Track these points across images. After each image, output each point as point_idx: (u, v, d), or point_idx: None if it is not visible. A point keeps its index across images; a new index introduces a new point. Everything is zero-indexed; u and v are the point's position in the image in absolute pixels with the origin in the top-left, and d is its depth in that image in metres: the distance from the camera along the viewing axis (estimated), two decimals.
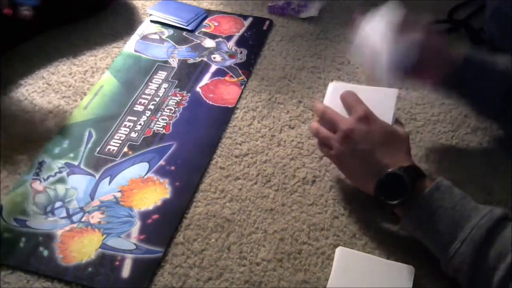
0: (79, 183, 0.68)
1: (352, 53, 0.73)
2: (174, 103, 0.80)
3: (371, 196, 0.61)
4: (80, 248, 0.61)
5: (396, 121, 0.66)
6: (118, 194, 0.67)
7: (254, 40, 0.93)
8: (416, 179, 0.57)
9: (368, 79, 0.73)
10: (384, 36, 0.66)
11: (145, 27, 0.95)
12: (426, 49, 0.65)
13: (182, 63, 0.87)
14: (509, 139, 0.71)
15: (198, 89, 0.83)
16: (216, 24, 0.97)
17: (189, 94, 0.81)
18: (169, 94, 0.81)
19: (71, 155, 0.72)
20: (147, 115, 0.78)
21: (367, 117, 0.62)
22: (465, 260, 0.52)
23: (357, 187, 0.65)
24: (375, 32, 0.67)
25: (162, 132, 0.75)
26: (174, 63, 0.87)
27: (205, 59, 0.88)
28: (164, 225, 0.64)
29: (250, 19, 0.98)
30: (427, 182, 0.57)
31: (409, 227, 0.59)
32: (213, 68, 0.87)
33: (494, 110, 0.68)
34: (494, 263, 0.50)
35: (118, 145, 0.73)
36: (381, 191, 0.59)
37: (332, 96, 0.68)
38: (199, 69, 0.86)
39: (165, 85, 0.83)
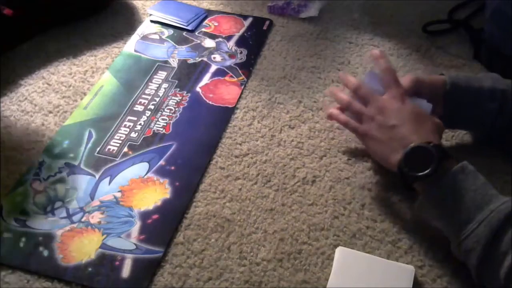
0: (79, 183, 0.68)
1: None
2: (174, 103, 0.80)
3: (396, 169, 0.61)
4: (80, 248, 0.61)
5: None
6: (118, 194, 0.67)
7: (254, 40, 0.93)
8: (443, 157, 0.57)
9: None
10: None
11: (145, 27, 0.95)
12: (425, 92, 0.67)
13: (182, 63, 0.87)
14: (508, 141, 0.71)
15: (198, 89, 0.83)
16: (216, 24, 0.97)
17: (189, 94, 0.81)
18: (169, 94, 0.81)
19: (71, 155, 0.71)
20: (147, 115, 0.78)
21: (401, 97, 0.64)
22: (480, 240, 0.52)
23: (380, 162, 0.65)
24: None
25: (162, 132, 0.75)
26: (174, 63, 0.87)
27: (205, 59, 0.88)
28: (164, 225, 0.64)
29: (250, 19, 0.98)
30: (453, 162, 0.57)
31: (427, 204, 0.59)
32: (213, 68, 0.87)
33: (486, 127, 0.69)
34: (506, 249, 0.51)
35: (118, 145, 0.73)
36: (406, 163, 0.59)
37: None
38: (199, 69, 0.86)
39: (165, 85, 0.83)
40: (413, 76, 0.68)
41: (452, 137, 0.75)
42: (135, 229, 0.63)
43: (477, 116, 0.68)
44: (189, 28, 0.94)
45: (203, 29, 0.95)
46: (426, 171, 0.57)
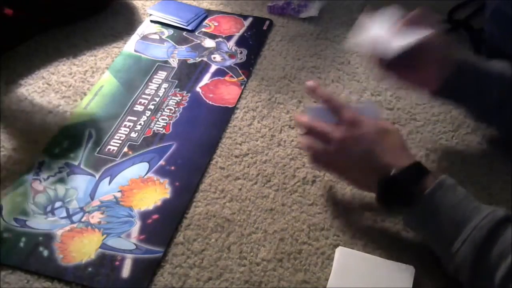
0: (79, 183, 0.68)
1: (352, 41, 0.70)
2: (174, 103, 0.80)
3: (375, 200, 0.60)
4: (80, 248, 0.61)
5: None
6: (118, 194, 0.67)
7: (254, 40, 0.93)
8: (418, 178, 0.56)
9: (372, 60, 0.71)
10: (389, 28, 0.65)
11: (145, 27, 0.95)
12: (429, 46, 0.64)
13: (182, 63, 0.87)
14: (508, 140, 0.71)
15: (198, 89, 0.83)
16: (216, 24, 0.97)
17: (189, 94, 0.81)
18: (169, 94, 0.81)
19: (71, 155, 0.71)
20: (147, 115, 0.78)
21: (355, 120, 0.61)
22: (465, 259, 0.52)
23: (359, 189, 0.65)
24: (379, 26, 0.67)
25: (162, 132, 0.75)
26: (174, 63, 0.87)
27: (205, 59, 0.88)
28: (164, 225, 0.64)
29: (250, 19, 0.98)
30: (429, 180, 0.56)
31: (411, 226, 0.59)
32: (213, 68, 0.87)
33: (490, 113, 0.68)
34: (495, 263, 0.50)
35: (118, 145, 0.73)
36: (384, 198, 0.59)
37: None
38: (199, 69, 0.86)
39: (165, 85, 0.83)
40: (433, 33, 0.64)
41: (452, 137, 0.75)
42: (135, 229, 0.63)
43: (481, 101, 0.67)
44: (189, 28, 0.94)
45: (203, 29, 0.95)
46: (401, 205, 0.57)
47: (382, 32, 0.66)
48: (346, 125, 0.61)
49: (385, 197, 0.59)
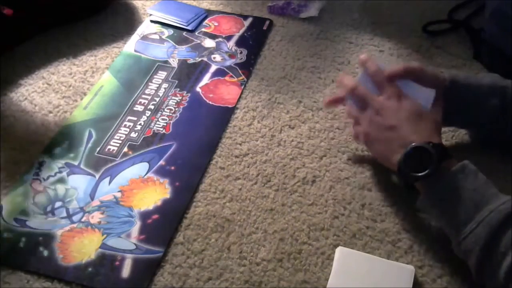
0: (79, 183, 0.68)
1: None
2: (174, 103, 0.80)
3: (396, 170, 0.61)
4: (80, 248, 0.61)
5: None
6: (118, 194, 0.67)
7: (254, 40, 0.93)
8: (443, 157, 0.57)
9: None
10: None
11: (145, 27, 0.95)
12: (418, 76, 0.66)
13: (182, 63, 0.87)
14: (508, 140, 0.71)
15: (198, 89, 0.83)
16: (216, 24, 0.97)
17: (189, 94, 0.81)
18: (169, 94, 0.81)
19: (71, 155, 0.72)
20: (147, 115, 0.78)
21: (398, 95, 0.64)
22: (478, 241, 0.52)
23: (382, 163, 0.65)
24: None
25: (162, 132, 0.75)
26: (174, 63, 0.87)
27: (205, 59, 0.88)
28: (164, 225, 0.64)
29: (250, 19, 0.98)
30: (453, 162, 0.57)
31: (427, 204, 0.59)
32: (213, 68, 0.87)
33: (486, 126, 0.69)
34: (505, 249, 0.50)
35: (118, 145, 0.73)
36: (406, 164, 0.59)
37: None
38: (199, 69, 0.86)
39: (165, 85, 0.83)
40: (417, 64, 0.67)
41: (452, 137, 0.75)
42: (135, 229, 0.63)
43: (477, 113, 0.68)
44: (189, 28, 0.94)
45: (203, 29, 0.95)
46: (425, 172, 0.57)
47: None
48: (387, 95, 0.64)
49: (407, 165, 0.59)
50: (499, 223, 0.51)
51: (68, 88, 0.82)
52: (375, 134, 0.64)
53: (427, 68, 0.67)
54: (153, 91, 0.82)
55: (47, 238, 0.62)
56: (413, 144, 0.59)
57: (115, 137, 0.74)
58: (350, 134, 0.74)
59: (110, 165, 0.70)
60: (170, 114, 0.78)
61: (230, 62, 0.88)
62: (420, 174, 0.58)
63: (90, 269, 0.59)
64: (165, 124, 0.76)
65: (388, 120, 0.63)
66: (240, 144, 0.74)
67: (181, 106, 0.79)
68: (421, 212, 0.61)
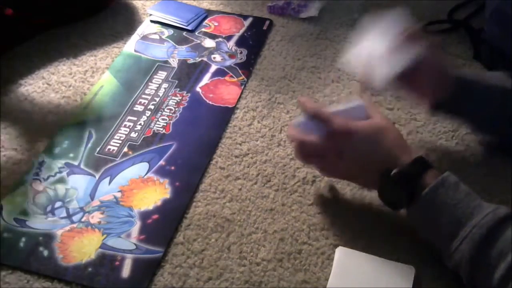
0: (79, 183, 0.68)
1: (349, 56, 0.70)
2: (174, 103, 0.80)
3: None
4: (80, 248, 0.61)
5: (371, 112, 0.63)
6: (118, 194, 0.67)
7: (254, 40, 0.93)
8: (420, 173, 0.56)
9: (362, 86, 0.72)
10: (387, 44, 0.65)
11: (145, 27, 0.95)
12: (427, 62, 0.64)
13: (182, 63, 0.87)
14: (509, 140, 0.71)
15: (198, 89, 0.83)
16: (216, 24, 0.97)
17: (189, 94, 0.81)
18: (169, 94, 0.81)
19: (71, 155, 0.71)
20: (147, 115, 0.78)
21: (347, 128, 0.59)
22: (464, 257, 0.52)
23: (362, 191, 0.65)
24: (377, 39, 0.67)
25: (162, 132, 0.75)
26: (174, 63, 0.87)
27: (205, 59, 0.88)
28: (164, 225, 0.64)
29: (250, 19, 0.98)
30: (432, 176, 0.56)
31: (412, 221, 0.59)
32: (213, 68, 0.87)
33: (492, 124, 0.68)
34: (495, 261, 0.50)
35: (118, 145, 0.73)
36: (384, 198, 0.60)
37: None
38: (199, 69, 0.86)
39: (165, 85, 0.83)
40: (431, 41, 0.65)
41: (452, 137, 0.75)
42: (135, 229, 0.63)
43: (479, 112, 0.67)
44: (189, 28, 0.94)
45: (203, 29, 0.95)
46: (401, 200, 0.57)
47: (378, 49, 0.65)
48: (339, 136, 0.59)
49: (386, 195, 0.59)
50: (483, 238, 0.51)
51: (68, 88, 0.82)
52: (343, 172, 0.63)
53: (438, 62, 0.66)
54: (153, 91, 0.82)
55: (47, 238, 0.62)
56: (385, 175, 0.57)
57: (115, 137, 0.74)
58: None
59: (110, 165, 0.70)
60: (170, 114, 0.78)
61: (230, 62, 0.88)
62: (398, 203, 0.58)
63: (90, 269, 0.59)
64: (165, 124, 0.76)
65: (351, 160, 0.60)
66: (240, 144, 0.74)
67: (181, 106, 0.79)
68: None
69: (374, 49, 0.66)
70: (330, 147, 0.60)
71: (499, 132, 0.69)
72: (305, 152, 0.63)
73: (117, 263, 0.59)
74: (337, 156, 0.60)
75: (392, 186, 0.58)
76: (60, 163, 0.70)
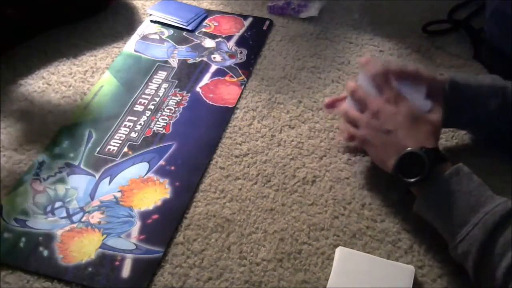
0: (79, 183, 0.68)
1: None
2: (174, 103, 0.80)
3: (391, 175, 0.61)
4: (80, 248, 0.61)
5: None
6: (118, 194, 0.67)
7: (254, 40, 0.93)
8: (436, 161, 0.58)
9: None
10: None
11: (145, 27, 0.95)
12: (417, 78, 0.66)
13: (182, 63, 0.87)
14: (509, 140, 0.71)
15: (198, 89, 0.83)
16: (216, 24, 0.97)
17: (189, 94, 0.81)
18: (169, 94, 0.81)
19: (71, 155, 0.72)
20: (147, 115, 0.78)
21: (396, 98, 0.64)
22: (474, 243, 0.52)
23: (380, 166, 0.65)
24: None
25: (162, 132, 0.75)
26: (174, 63, 0.87)
27: (205, 59, 0.88)
28: (164, 225, 0.64)
29: (250, 19, 0.98)
30: (448, 165, 0.58)
31: (423, 207, 0.59)
32: (213, 68, 0.87)
33: (487, 127, 0.69)
34: (502, 250, 0.51)
35: (118, 145, 0.73)
36: (399, 169, 0.60)
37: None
38: (199, 69, 0.86)
39: (165, 85, 0.83)
40: (412, 66, 0.67)
41: (452, 137, 0.75)
42: (135, 229, 0.63)
43: (477, 115, 0.68)
44: (189, 28, 0.94)
45: (203, 29, 0.95)
46: (417, 178, 0.58)
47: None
48: (386, 98, 0.64)
49: (400, 171, 0.60)
50: (495, 225, 0.52)
51: (68, 88, 0.82)
52: (371, 138, 0.64)
53: (423, 70, 0.67)
54: (153, 91, 0.82)
55: (47, 238, 0.62)
56: (406, 150, 0.59)
57: (115, 137, 0.74)
58: (340, 140, 0.74)
59: (110, 165, 0.70)
60: (170, 114, 0.78)
61: (230, 62, 0.88)
62: (412, 179, 0.58)
63: (90, 269, 0.59)
64: (165, 124, 0.76)
65: (384, 124, 0.63)
66: (240, 144, 0.74)
67: (181, 106, 0.79)
68: (418, 215, 0.61)
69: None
70: (381, 104, 0.64)
71: (495, 130, 0.69)
72: (357, 97, 0.67)
73: (117, 263, 0.59)
74: (380, 117, 0.63)
75: (409, 161, 0.59)
76: (60, 163, 0.70)
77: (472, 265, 0.53)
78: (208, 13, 0.99)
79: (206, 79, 0.84)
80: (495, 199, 0.54)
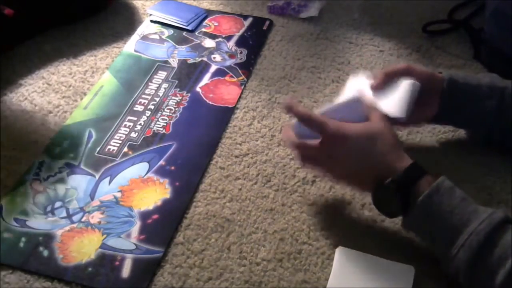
0: (79, 183, 0.68)
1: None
2: (174, 103, 0.80)
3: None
4: (80, 248, 0.61)
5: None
6: (118, 194, 0.67)
7: (254, 40, 0.93)
8: (413, 181, 0.55)
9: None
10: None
11: (145, 27, 0.95)
12: (421, 82, 0.65)
13: (182, 63, 0.87)
14: (507, 140, 0.71)
15: (198, 89, 0.83)
16: (216, 24, 0.97)
17: (189, 94, 0.81)
18: (169, 94, 0.81)
19: (71, 155, 0.71)
20: (147, 115, 0.78)
21: (340, 134, 0.58)
22: (462, 265, 0.52)
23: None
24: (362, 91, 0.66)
25: (162, 132, 0.75)
26: (174, 63, 0.87)
27: (205, 59, 0.88)
28: (164, 225, 0.64)
29: (250, 19, 0.98)
30: (426, 183, 0.55)
31: (409, 227, 0.59)
32: (213, 68, 0.87)
33: (485, 126, 0.68)
34: (494, 268, 0.50)
35: (118, 145, 0.73)
36: (377, 206, 0.59)
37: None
38: (199, 69, 0.86)
39: (165, 85, 0.83)
40: (403, 65, 0.66)
41: (452, 137, 0.75)
42: (135, 229, 0.63)
43: (476, 114, 0.67)
44: (189, 28, 0.94)
45: (203, 29, 0.95)
46: (393, 211, 0.57)
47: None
48: (333, 140, 0.58)
49: (381, 203, 0.59)
50: (480, 245, 0.50)
51: (68, 88, 0.82)
52: (339, 176, 0.62)
53: (415, 65, 0.66)
54: (153, 91, 0.82)
55: (47, 238, 0.62)
56: (378, 186, 0.57)
57: (115, 137, 0.74)
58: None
59: (110, 165, 0.70)
60: (170, 114, 0.78)
61: (230, 62, 0.88)
62: (390, 212, 0.58)
63: (90, 269, 0.59)
64: (165, 124, 0.76)
65: (343, 162, 0.59)
66: (240, 144, 0.74)
67: (181, 106, 0.79)
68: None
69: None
70: (325, 151, 0.59)
71: (492, 130, 0.68)
72: (302, 156, 0.63)
73: (117, 263, 0.59)
74: (333, 160, 0.60)
75: (386, 195, 0.57)
76: (60, 163, 0.70)
77: (465, 283, 0.53)
78: (208, 13, 0.99)
79: (206, 79, 0.84)
80: (479, 215, 0.52)
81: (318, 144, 0.59)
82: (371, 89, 0.66)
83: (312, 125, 0.60)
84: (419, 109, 0.65)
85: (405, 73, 0.65)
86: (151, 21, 0.96)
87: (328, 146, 0.59)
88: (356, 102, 0.62)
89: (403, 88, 0.64)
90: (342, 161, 0.59)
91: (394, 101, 0.64)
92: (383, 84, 0.65)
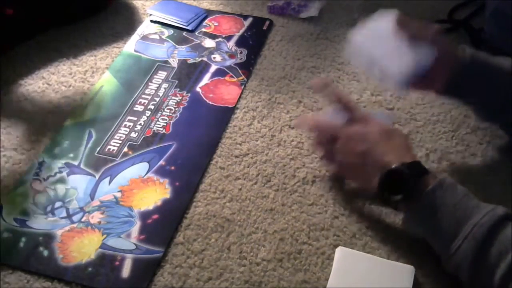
0: (79, 183, 0.68)
1: (349, 56, 0.71)
2: (174, 103, 0.80)
3: (376, 194, 0.60)
4: (80, 248, 0.61)
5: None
6: (118, 194, 0.67)
7: (254, 40, 0.93)
8: (418, 175, 0.57)
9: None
10: (387, 41, 0.65)
11: (145, 27, 0.95)
12: (438, 53, 0.64)
13: (182, 63, 0.87)
14: (510, 140, 0.71)
15: (198, 89, 0.83)
16: (216, 24, 0.97)
17: (189, 94, 0.81)
18: (169, 94, 0.81)
19: (71, 155, 0.71)
20: (147, 115, 0.78)
21: (363, 119, 0.64)
22: (466, 257, 0.52)
23: (363, 188, 0.65)
24: (376, 37, 0.67)
25: (162, 132, 0.75)
26: (174, 63, 0.87)
27: (205, 59, 0.88)
28: (164, 225, 0.64)
29: (250, 19, 0.98)
30: (430, 179, 0.57)
31: (411, 224, 0.59)
32: (213, 68, 0.87)
33: (498, 110, 0.67)
34: (495, 261, 0.50)
35: (118, 145, 0.73)
36: (384, 188, 0.59)
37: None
38: (199, 69, 0.86)
39: (165, 85, 0.83)
40: (437, 27, 0.66)
41: (452, 137, 0.75)
42: (135, 229, 0.63)
43: (491, 92, 0.66)
44: (189, 28, 0.94)
45: (203, 29, 0.95)
46: (400, 196, 0.57)
47: (382, 49, 0.66)
48: (355, 122, 0.64)
49: (385, 189, 0.59)
50: (484, 236, 0.51)
51: (68, 88, 0.82)
52: (349, 163, 0.63)
53: (443, 38, 0.65)
54: (153, 91, 0.82)
55: (47, 238, 0.62)
56: (388, 167, 0.58)
57: (115, 137, 0.74)
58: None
59: (110, 165, 0.70)
60: (170, 114, 0.78)
61: (230, 62, 0.88)
62: (397, 196, 0.58)
63: (90, 269, 0.59)
64: (165, 124, 0.76)
65: (358, 146, 0.61)
66: (240, 144, 0.74)
67: (181, 106, 0.79)
68: (408, 231, 0.61)
69: (376, 48, 0.66)
70: (348, 132, 0.63)
71: (506, 118, 0.67)
72: (319, 140, 0.67)
73: (117, 263, 0.59)
74: (351, 143, 0.62)
75: (391, 179, 0.58)
76: (60, 163, 0.70)
77: (466, 278, 0.53)
78: (208, 13, 0.99)
79: (206, 79, 0.84)
80: (481, 209, 0.53)
81: (343, 124, 0.65)
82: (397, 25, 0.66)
83: (345, 104, 0.66)
84: (428, 77, 0.65)
85: (432, 40, 0.64)
86: (151, 21, 0.96)
87: (353, 126, 0.64)
88: (386, 114, 0.69)
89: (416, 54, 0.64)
90: (356, 143, 0.62)
91: (401, 62, 0.64)
92: (409, 31, 0.65)
